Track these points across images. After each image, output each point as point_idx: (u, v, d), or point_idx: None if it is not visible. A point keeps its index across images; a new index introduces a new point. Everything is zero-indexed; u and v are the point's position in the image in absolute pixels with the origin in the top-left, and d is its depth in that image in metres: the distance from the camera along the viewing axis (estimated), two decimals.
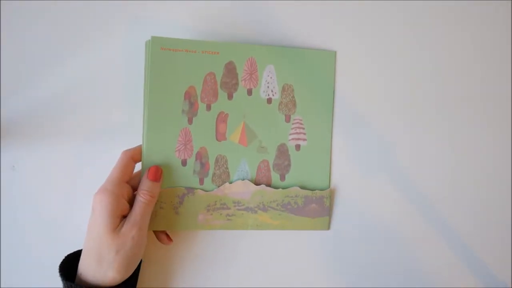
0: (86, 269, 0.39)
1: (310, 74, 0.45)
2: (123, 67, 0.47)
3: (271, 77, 0.45)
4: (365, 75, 0.48)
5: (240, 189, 0.45)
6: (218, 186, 0.44)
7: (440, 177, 0.48)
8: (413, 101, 0.48)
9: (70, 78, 0.47)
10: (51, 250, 0.44)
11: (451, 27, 0.48)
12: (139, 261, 0.42)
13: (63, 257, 0.41)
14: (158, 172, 0.42)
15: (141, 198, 0.40)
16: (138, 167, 0.44)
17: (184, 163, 0.44)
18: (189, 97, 0.44)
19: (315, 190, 0.46)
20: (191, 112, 0.44)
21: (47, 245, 0.45)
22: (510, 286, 0.48)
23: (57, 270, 0.39)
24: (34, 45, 0.47)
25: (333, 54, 0.46)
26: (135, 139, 0.44)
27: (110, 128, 0.46)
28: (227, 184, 0.44)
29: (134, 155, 0.42)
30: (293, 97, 0.45)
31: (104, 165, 0.42)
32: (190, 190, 0.44)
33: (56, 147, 0.47)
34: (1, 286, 0.46)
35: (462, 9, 0.48)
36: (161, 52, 0.43)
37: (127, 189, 0.41)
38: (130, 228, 0.39)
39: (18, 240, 0.46)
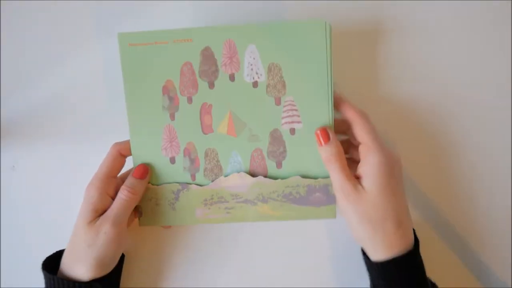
0: (65, 262, 0.39)
1: (298, 48, 0.41)
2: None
3: (254, 58, 0.41)
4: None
5: (236, 182, 0.42)
6: (212, 181, 0.43)
7: (440, 174, 0.48)
8: (414, 99, 0.48)
9: (70, 78, 0.47)
10: (51, 250, 0.44)
11: (451, 27, 0.48)
12: (117, 260, 0.41)
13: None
14: (144, 171, 0.41)
15: (121, 194, 0.40)
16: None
17: (172, 160, 0.42)
18: (168, 91, 0.42)
19: (317, 178, 0.42)
20: (172, 107, 0.42)
21: (47, 245, 0.45)
22: (510, 286, 0.48)
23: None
24: (34, 45, 0.47)
25: (323, 23, 0.41)
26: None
27: (110, 128, 0.46)
28: (222, 177, 0.42)
29: (122, 149, 0.41)
30: (281, 77, 0.41)
31: None
32: (185, 185, 0.42)
33: (56, 147, 0.47)
34: (1, 286, 0.46)
35: (462, 9, 0.48)
36: (130, 49, 0.41)
37: (113, 184, 0.41)
38: (102, 223, 0.38)
39: (18, 240, 0.46)
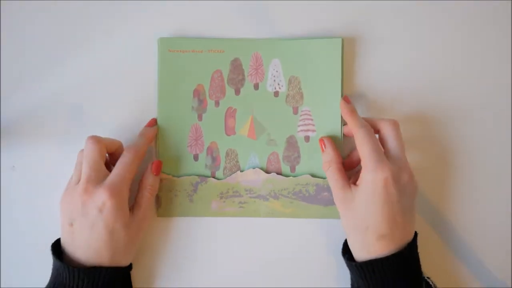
0: (99, 262, 0.40)
1: (316, 64, 0.45)
2: (123, 67, 0.47)
3: (277, 71, 0.46)
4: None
5: (251, 177, 0.46)
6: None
7: (440, 175, 0.48)
8: (417, 98, 0.48)
9: (70, 78, 0.47)
10: None
11: (451, 27, 0.48)
12: None
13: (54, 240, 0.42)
14: (159, 167, 0.44)
15: (148, 193, 0.43)
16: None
17: (196, 157, 0.46)
18: (198, 94, 0.46)
19: (325, 178, 0.45)
20: (201, 109, 0.46)
21: (47, 245, 0.45)
22: (510, 286, 0.48)
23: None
24: (34, 45, 0.47)
25: (339, 41, 0.45)
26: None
27: (110, 128, 0.46)
28: (238, 172, 0.46)
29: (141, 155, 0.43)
30: (300, 89, 0.46)
31: None
32: (203, 178, 0.45)
33: (56, 147, 0.47)
34: (1, 286, 0.46)
35: (462, 9, 0.48)
36: (169, 54, 0.45)
37: (129, 186, 0.42)
38: (141, 223, 0.42)
39: (18, 240, 0.46)
